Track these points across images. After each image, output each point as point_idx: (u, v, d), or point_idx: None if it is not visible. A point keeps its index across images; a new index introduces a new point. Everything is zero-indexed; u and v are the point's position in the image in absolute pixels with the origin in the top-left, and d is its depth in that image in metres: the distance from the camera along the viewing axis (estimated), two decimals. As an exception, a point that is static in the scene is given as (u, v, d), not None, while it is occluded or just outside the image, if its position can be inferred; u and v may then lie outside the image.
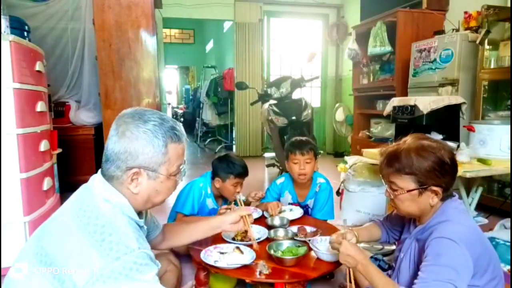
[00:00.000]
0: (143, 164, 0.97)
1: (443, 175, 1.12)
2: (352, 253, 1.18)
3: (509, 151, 2.14)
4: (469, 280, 1.04)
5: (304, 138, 2.16)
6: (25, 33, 2.41)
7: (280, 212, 1.98)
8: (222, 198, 2.17)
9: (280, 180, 2.25)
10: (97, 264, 0.85)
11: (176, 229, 1.44)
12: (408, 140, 1.20)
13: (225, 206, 1.95)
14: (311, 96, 6.33)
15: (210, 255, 1.50)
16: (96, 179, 1.01)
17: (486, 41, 2.87)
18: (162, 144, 0.98)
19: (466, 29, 3.32)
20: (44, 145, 2.20)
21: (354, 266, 1.18)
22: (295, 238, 1.68)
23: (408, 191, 1.14)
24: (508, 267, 1.76)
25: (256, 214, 2.01)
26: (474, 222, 1.18)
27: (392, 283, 1.14)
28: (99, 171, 1.02)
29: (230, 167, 2.01)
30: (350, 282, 1.22)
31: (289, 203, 2.17)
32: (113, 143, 0.97)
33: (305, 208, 2.16)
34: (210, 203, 2.11)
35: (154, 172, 0.99)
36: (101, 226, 0.90)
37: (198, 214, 2.05)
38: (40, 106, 2.17)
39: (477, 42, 2.89)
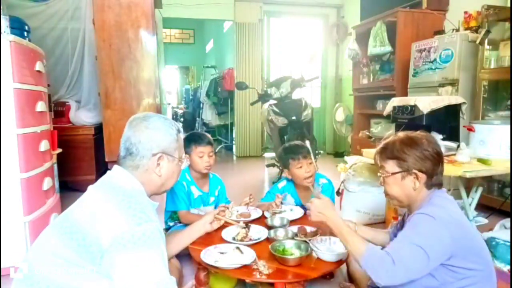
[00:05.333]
0: (164, 149, 1.18)
1: (423, 160, 1.21)
2: (323, 209, 1.33)
3: (509, 151, 2.14)
4: (443, 254, 1.09)
5: (298, 142, 2.17)
6: (25, 33, 2.41)
7: (280, 212, 1.98)
8: (204, 180, 2.20)
9: (282, 184, 2.22)
10: (121, 228, 0.96)
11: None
12: (399, 133, 1.32)
13: (223, 204, 1.99)
14: (311, 96, 6.33)
15: (210, 255, 1.50)
16: (117, 172, 1.14)
17: (486, 41, 2.87)
18: (175, 133, 1.21)
19: (466, 29, 3.32)
20: (44, 145, 2.20)
21: (325, 222, 1.33)
22: (295, 238, 1.68)
23: (393, 173, 1.25)
24: (508, 267, 1.76)
25: (256, 214, 2.01)
26: (459, 209, 1.25)
27: (361, 241, 1.20)
28: (115, 166, 1.16)
29: (189, 138, 2.11)
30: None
31: None
32: (137, 137, 1.14)
33: (308, 209, 2.15)
34: (195, 190, 2.15)
35: (171, 156, 1.20)
36: (128, 196, 1.06)
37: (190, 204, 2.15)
38: (40, 106, 2.17)
39: (477, 42, 2.89)
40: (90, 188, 1.12)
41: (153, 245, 0.98)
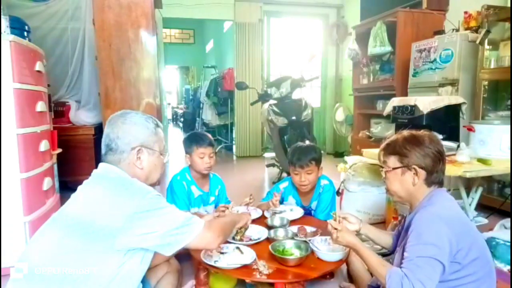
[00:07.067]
0: (143, 142, 1.20)
1: (423, 156, 1.24)
2: (342, 240, 1.32)
3: (509, 151, 2.14)
4: (451, 254, 1.11)
5: (305, 146, 2.11)
6: (25, 33, 2.41)
7: (280, 212, 1.98)
8: (204, 180, 2.19)
9: (283, 185, 2.22)
10: (128, 207, 1.03)
11: None
12: (404, 131, 1.35)
13: (223, 204, 2.01)
14: (311, 96, 6.32)
15: (210, 255, 1.50)
16: (102, 167, 1.18)
17: (486, 41, 2.87)
18: (153, 127, 1.24)
19: (466, 29, 3.32)
20: (44, 145, 2.20)
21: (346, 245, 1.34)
22: (295, 238, 1.68)
23: (393, 168, 1.29)
24: (508, 267, 1.75)
25: (256, 214, 2.01)
26: (457, 206, 1.27)
27: (382, 263, 1.20)
28: (100, 163, 1.20)
29: (191, 139, 2.12)
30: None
31: None
32: (115, 133, 1.17)
33: (309, 210, 2.15)
34: (195, 189, 2.15)
35: (151, 149, 1.23)
36: (122, 180, 1.13)
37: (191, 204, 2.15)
38: (40, 106, 2.17)
39: (477, 42, 2.89)
40: (80, 186, 1.17)
41: (161, 203, 1.10)
